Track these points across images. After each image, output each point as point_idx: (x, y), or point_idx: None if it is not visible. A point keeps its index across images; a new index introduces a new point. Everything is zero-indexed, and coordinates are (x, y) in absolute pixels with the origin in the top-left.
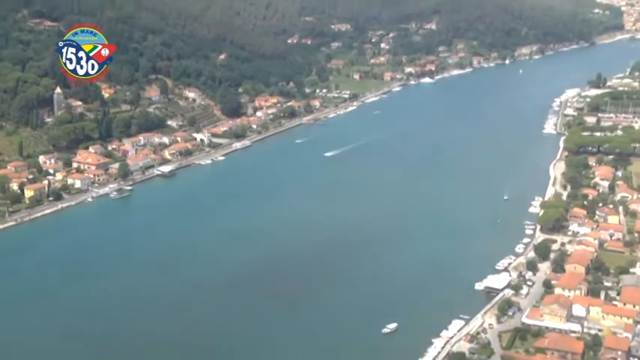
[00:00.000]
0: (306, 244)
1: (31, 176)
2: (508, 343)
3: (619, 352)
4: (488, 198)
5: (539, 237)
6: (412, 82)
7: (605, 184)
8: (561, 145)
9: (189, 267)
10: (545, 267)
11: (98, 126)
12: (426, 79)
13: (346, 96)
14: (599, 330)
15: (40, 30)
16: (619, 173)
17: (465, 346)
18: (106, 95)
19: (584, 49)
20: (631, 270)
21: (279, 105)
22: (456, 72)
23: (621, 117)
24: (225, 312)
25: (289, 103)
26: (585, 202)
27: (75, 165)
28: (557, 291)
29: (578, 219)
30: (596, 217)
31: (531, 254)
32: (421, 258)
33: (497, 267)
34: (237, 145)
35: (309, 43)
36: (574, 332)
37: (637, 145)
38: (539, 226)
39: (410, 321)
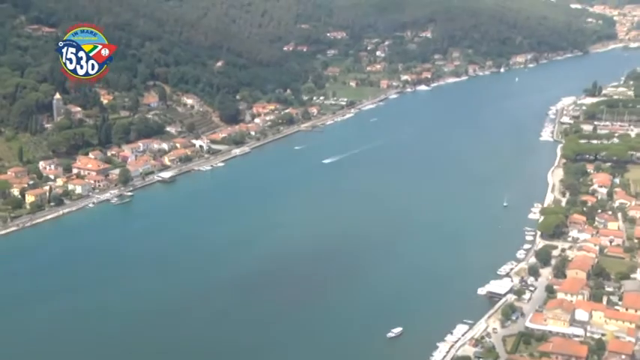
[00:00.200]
0: (308, 249)
1: (31, 182)
2: (513, 347)
3: (623, 356)
4: (488, 204)
5: (540, 243)
6: (408, 90)
7: (604, 191)
8: (558, 152)
9: (192, 272)
10: (546, 272)
11: (97, 132)
12: (423, 87)
13: (343, 103)
14: (603, 334)
15: (38, 36)
16: (617, 180)
17: (469, 350)
18: (105, 101)
19: (578, 58)
20: (632, 275)
21: (276, 112)
22: (451, 80)
23: (617, 125)
24: (228, 316)
25: (287, 110)
26: (584, 209)
27: (75, 171)
28: (560, 296)
29: (578, 225)
30: (596, 223)
31: (532, 260)
32: (423, 263)
33: (498, 272)
34: (237, 151)
35: (304, 50)
36: (577, 336)
37: (634, 153)
38: (539, 232)
39: (414, 325)
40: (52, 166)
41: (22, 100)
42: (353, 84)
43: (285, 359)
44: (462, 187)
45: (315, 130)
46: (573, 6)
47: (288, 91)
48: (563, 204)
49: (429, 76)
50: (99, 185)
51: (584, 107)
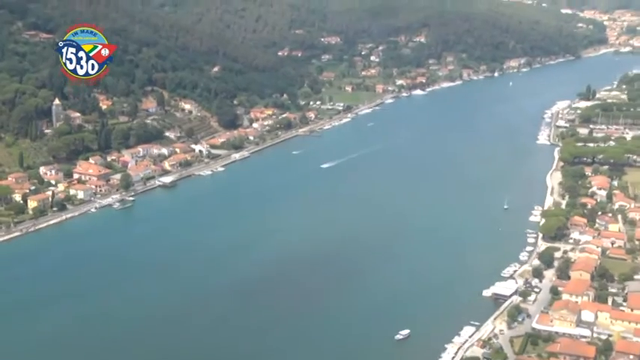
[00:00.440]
0: (309, 254)
1: (33, 187)
2: (520, 348)
3: (631, 357)
4: (488, 207)
5: (542, 245)
6: (404, 94)
7: (603, 193)
8: (556, 155)
9: (194, 277)
10: (550, 274)
11: (97, 137)
12: (418, 92)
13: (340, 108)
14: (609, 335)
15: (36, 42)
16: (615, 183)
17: (477, 352)
18: (104, 107)
19: (570, 63)
20: (635, 277)
21: (274, 117)
22: (446, 84)
23: (612, 128)
24: (230, 322)
25: (285, 115)
26: (585, 211)
27: (76, 176)
28: (565, 297)
29: (579, 227)
30: (597, 225)
31: (536, 262)
32: (426, 266)
33: (502, 274)
34: (236, 156)
35: (299, 55)
36: (584, 337)
37: (630, 156)
38: (540, 235)
39: (422, 327)
40: (53, 172)
41: (21, 105)
42: (349, 89)
43: None
44: (462, 190)
45: (313, 135)
46: (564, 11)
47: (285, 95)
48: (563, 206)
49: (424, 80)
50: (100, 190)
51: (578, 111)
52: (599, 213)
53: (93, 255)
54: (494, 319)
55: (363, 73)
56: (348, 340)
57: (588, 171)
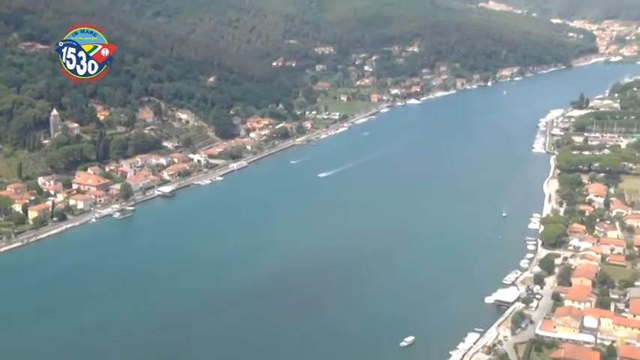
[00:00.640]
0: (309, 263)
1: (32, 197)
2: (525, 354)
3: None
4: (487, 215)
5: (542, 252)
6: (399, 104)
7: (600, 200)
8: (552, 163)
9: (195, 288)
10: (551, 281)
11: (95, 147)
12: (413, 101)
13: (336, 117)
14: (613, 341)
15: (32, 53)
16: (612, 190)
17: (482, 358)
18: (101, 117)
19: (562, 72)
20: (635, 283)
21: (270, 126)
22: (440, 93)
23: (607, 136)
24: (232, 332)
25: (281, 125)
26: (583, 218)
27: (75, 186)
28: (567, 303)
29: (578, 234)
30: (596, 232)
31: (537, 268)
32: (427, 274)
33: (504, 281)
34: (234, 165)
35: (293, 65)
36: (588, 343)
37: (626, 164)
38: (540, 242)
39: (426, 334)
40: (52, 182)
41: (19, 116)
42: (344, 98)
43: None
44: (460, 198)
45: (310, 144)
46: (554, 21)
47: (281, 105)
48: (561, 214)
49: (419, 89)
50: (100, 200)
51: (572, 119)
52: (598, 220)
53: (95, 265)
54: (498, 325)
55: (358, 82)
56: (353, 348)
57: (585, 179)
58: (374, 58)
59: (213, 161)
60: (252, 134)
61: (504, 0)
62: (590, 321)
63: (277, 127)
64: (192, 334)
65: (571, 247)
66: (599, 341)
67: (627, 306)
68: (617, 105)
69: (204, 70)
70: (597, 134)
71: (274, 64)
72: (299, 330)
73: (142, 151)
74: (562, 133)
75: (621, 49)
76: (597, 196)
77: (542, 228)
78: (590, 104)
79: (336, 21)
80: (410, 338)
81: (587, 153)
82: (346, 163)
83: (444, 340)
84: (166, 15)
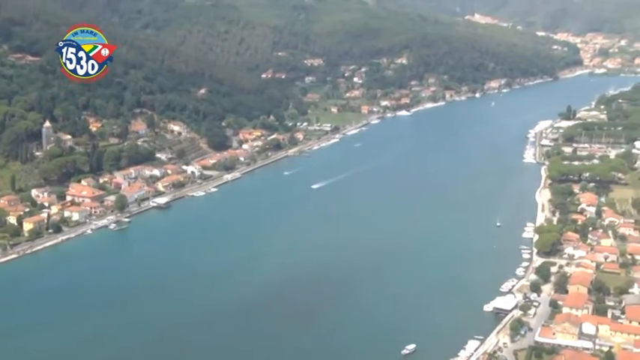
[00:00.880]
0: (305, 274)
1: (27, 209)
2: None
3: None
4: (482, 225)
5: (537, 260)
6: (389, 115)
7: (592, 209)
8: (543, 173)
9: (191, 300)
10: (547, 288)
11: (89, 159)
12: (403, 112)
13: (327, 129)
14: (611, 347)
15: (22, 65)
16: (603, 199)
17: None
18: (94, 129)
19: (548, 83)
20: (630, 290)
21: (262, 138)
22: (429, 105)
23: (595, 147)
24: (233, 341)
25: (273, 136)
26: (576, 227)
27: (69, 198)
28: (565, 310)
29: (572, 242)
30: (589, 240)
31: (533, 276)
32: (426, 284)
33: (501, 289)
34: (228, 177)
35: (283, 77)
36: (586, 349)
37: (616, 173)
38: (535, 250)
39: (427, 342)
40: (45, 194)
41: (11, 128)
42: (334, 110)
43: None
44: (454, 208)
45: (303, 156)
46: (539, 33)
47: (272, 117)
48: (555, 223)
49: (408, 101)
50: (95, 212)
51: (561, 130)
52: (591, 229)
53: (91, 277)
54: (498, 332)
55: (347, 94)
56: (354, 357)
57: (576, 188)
58: (363, 69)
59: (206, 172)
60: (244, 146)
61: (490, 13)
62: (588, 327)
63: (269, 138)
64: (188, 346)
65: (566, 256)
66: (597, 347)
67: (623, 312)
68: (603, 116)
69: (195, 82)
70: (586, 145)
71: (263, 76)
72: (296, 341)
73: (135, 163)
74: (551, 144)
75: (605, 61)
76: (589, 205)
77: (536, 237)
78: (578, 115)
79: (324, 33)
80: (411, 346)
81: (577, 163)
82: (339, 175)
83: (445, 347)
84: (155, 27)
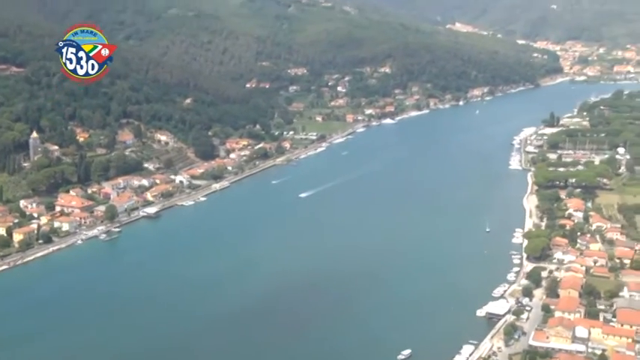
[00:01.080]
0: (297, 283)
1: (16, 220)
2: None
3: None
4: (471, 231)
5: (528, 265)
6: (374, 123)
7: (579, 215)
8: (529, 179)
9: (185, 309)
10: (539, 293)
11: (77, 170)
12: (388, 120)
13: (313, 137)
14: (604, 350)
15: (7, 76)
16: (589, 205)
17: None
18: (81, 139)
19: (529, 91)
20: (620, 294)
21: (249, 147)
22: (414, 113)
23: (579, 153)
24: (228, 350)
25: (260, 145)
26: (565, 232)
27: (58, 208)
28: (558, 314)
29: (561, 247)
30: (578, 245)
31: (524, 281)
32: (418, 290)
33: (493, 294)
34: (217, 186)
35: (267, 87)
36: (580, 352)
37: (601, 179)
38: (525, 255)
39: (422, 347)
40: (34, 205)
41: None
42: (319, 119)
43: None
44: (442, 215)
45: (290, 164)
46: (519, 42)
47: (258, 126)
48: (543, 228)
49: (393, 109)
50: (85, 222)
51: (545, 137)
52: (579, 234)
53: (83, 287)
54: (492, 337)
55: (332, 103)
56: None
57: (562, 194)
58: (346, 78)
59: (195, 182)
60: (232, 155)
61: (470, 22)
62: (581, 331)
63: (256, 147)
64: (179, 355)
65: (555, 260)
66: (590, 350)
67: (614, 316)
68: (586, 123)
69: (181, 92)
70: (570, 151)
71: (248, 85)
72: (290, 349)
73: (123, 173)
74: (536, 151)
75: (585, 69)
76: (576, 210)
77: (526, 242)
78: (561, 122)
79: (307, 43)
80: (407, 351)
81: (562, 169)
82: (326, 183)
83: (440, 352)
84: (138, 38)
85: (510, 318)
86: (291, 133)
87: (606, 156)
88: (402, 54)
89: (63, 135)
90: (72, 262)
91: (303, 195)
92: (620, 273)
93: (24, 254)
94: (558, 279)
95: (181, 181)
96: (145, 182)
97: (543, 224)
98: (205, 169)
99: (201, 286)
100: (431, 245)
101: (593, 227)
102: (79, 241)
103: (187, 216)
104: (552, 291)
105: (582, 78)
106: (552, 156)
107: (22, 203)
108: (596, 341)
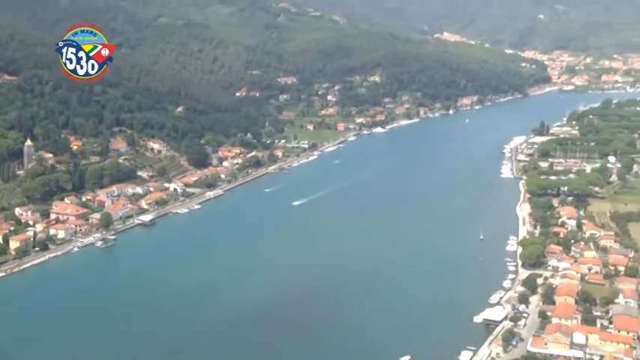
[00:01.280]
0: (296, 290)
1: (12, 228)
2: None
3: None
4: (465, 239)
5: (523, 272)
6: (365, 132)
7: (572, 222)
8: (522, 188)
9: (182, 316)
10: (535, 299)
11: (71, 177)
12: (379, 129)
13: (305, 146)
14: (602, 356)
15: (0, 84)
16: (582, 212)
17: None
18: (75, 147)
19: (518, 100)
20: (615, 300)
21: (242, 155)
22: (404, 122)
23: (570, 162)
24: (225, 354)
25: (253, 154)
26: (559, 240)
27: (53, 216)
28: (555, 321)
29: (556, 255)
30: (572, 252)
31: (520, 288)
32: (414, 296)
33: (490, 301)
34: (211, 194)
35: (257, 95)
36: (578, 358)
37: (593, 187)
38: (520, 262)
39: (421, 353)
40: (29, 212)
41: None
42: (310, 127)
43: None
44: (436, 223)
45: (283, 173)
46: (508, 51)
47: (249, 134)
48: (536, 235)
49: (383, 118)
50: (81, 229)
51: (536, 145)
52: (573, 241)
53: (79, 294)
54: (490, 343)
55: (322, 112)
56: None
57: (555, 202)
58: (336, 87)
59: (189, 190)
60: (225, 163)
61: (458, 31)
62: (578, 337)
63: (249, 155)
64: None
65: (550, 268)
66: (588, 356)
67: (611, 322)
68: (575, 132)
69: (172, 100)
70: (561, 159)
71: (238, 94)
72: (288, 356)
73: (117, 181)
74: (527, 159)
75: (572, 78)
76: (569, 218)
77: (520, 249)
78: (551, 131)
79: (297, 52)
80: (406, 357)
81: (554, 178)
82: (319, 191)
83: (439, 358)
84: (128, 46)
85: (508, 324)
86: (283, 141)
87: (597, 164)
88: (392, 63)
89: (57, 143)
90: (69, 269)
91: (296, 203)
92: (615, 280)
93: (21, 261)
94: (554, 286)
95: (175, 189)
96: (139, 190)
97: (537, 232)
98: (199, 177)
99: (196, 293)
100: (426, 252)
101: (587, 235)
102: (75, 249)
103: (182, 224)
104: (548, 298)
105: (570, 87)
106: (544, 164)
107: (18, 211)
108: (594, 347)
